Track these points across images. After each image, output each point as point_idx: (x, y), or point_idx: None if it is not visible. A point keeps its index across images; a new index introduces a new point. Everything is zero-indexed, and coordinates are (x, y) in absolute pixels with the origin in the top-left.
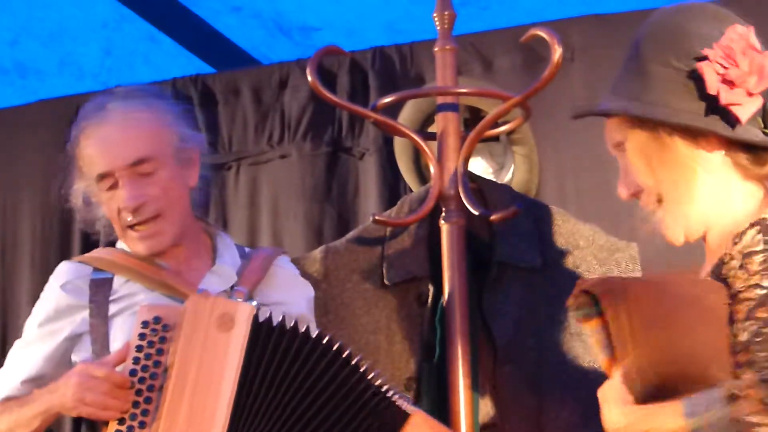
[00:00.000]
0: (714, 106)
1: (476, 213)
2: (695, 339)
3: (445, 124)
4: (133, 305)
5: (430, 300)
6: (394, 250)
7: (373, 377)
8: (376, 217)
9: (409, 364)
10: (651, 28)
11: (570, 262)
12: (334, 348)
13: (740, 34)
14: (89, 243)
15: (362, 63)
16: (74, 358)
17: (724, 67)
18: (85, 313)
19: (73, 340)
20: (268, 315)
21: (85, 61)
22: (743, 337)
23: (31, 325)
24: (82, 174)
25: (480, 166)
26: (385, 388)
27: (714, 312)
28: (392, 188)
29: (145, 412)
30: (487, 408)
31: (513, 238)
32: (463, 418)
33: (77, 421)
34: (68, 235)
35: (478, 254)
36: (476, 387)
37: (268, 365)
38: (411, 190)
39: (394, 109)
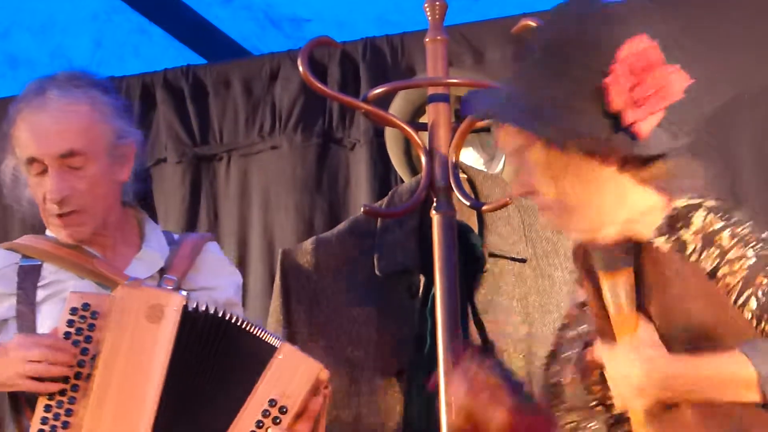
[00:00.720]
0: (618, 121)
1: (467, 204)
2: (706, 305)
3: (436, 114)
4: (61, 291)
5: (420, 291)
6: (385, 242)
7: (251, 327)
8: (367, 208)
9: (400, 355)
10: (555, 34)
11: (561, 252)
12: (256, 332)
13: (644, 48)
14: None
15: (353, 54)
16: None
17: (629, 85)
18: (13, 300)
19: None
20: (197, 306)
21: (76, 53)
22: (753, 304)
23: None
24: (14, 153)
25: (471, 157)
26: (255, 330)
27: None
28: (383, 179)
29: (72, 400)
30: None
31: (503, 229)
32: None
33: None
34: None
35: (468, 245)
36: None
37: (197, 356)
38: (402, 181)
39: (385, 100)
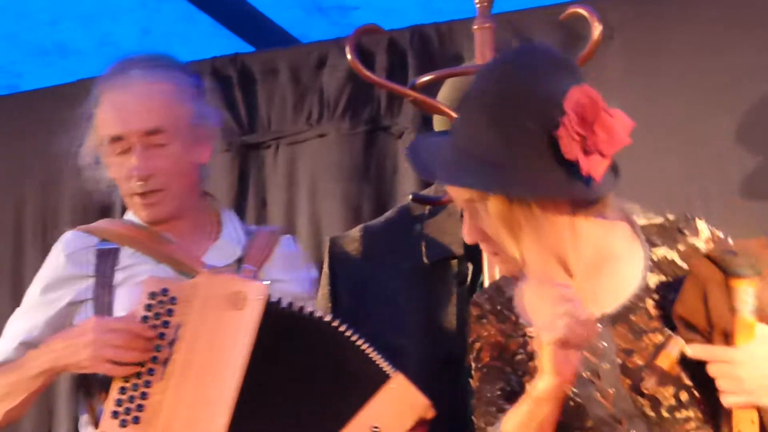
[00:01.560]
0: (572, 169)
1: None
2: None
3: None
4: (138, 275)
5: (468, 279)
6: (433, 229)
7: (361, 342)
8: (415, 196)
9: (447, 343)
10: (499, 87)
11: None
12: (337, 326)
13: (590, 95)
14: None
15: (400, 42)
16: (76, 323)
17: (580, 135)
18: (90, 282)
19: (75, 306)
20: (279, 295)
21: (124, 41)
22: None
23: (32, 293)
24: (96, 134)
25: None
26: (369, 350)
27: None
28: None
29: (147, 383)
30: None
31: None
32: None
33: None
34: (108, 212)
35: None
36: None
37: (279, 345)
38: None
39: (432, 88)
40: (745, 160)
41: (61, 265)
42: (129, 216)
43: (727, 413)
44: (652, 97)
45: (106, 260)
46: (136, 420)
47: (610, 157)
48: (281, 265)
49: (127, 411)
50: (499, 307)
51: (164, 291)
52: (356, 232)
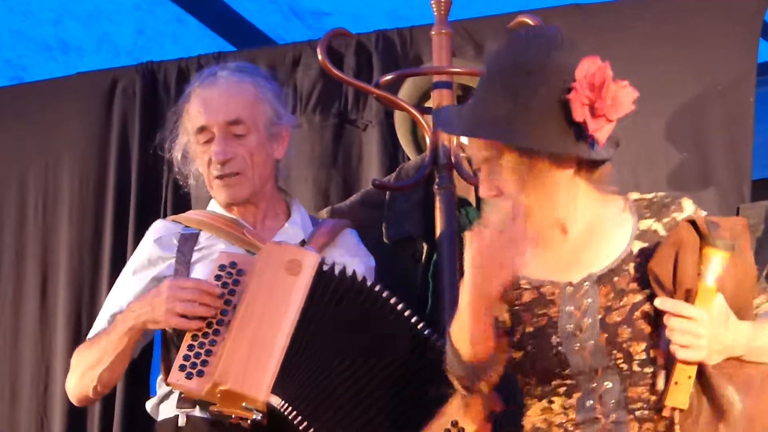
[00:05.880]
0: (579, 131)
1: (466, 179)
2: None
3: (440, 99)
4: (213, 254)
5: (423, 257)
6: (393, 212)
7: (421, 327)
8: (376, 182)
9: None
10: (515, 59)
11: None
12: (386, 297)
13: (599, 67)
14: (121, 202)
15: (367, 45)
16: None
17: (589, 99)
18: (172, 261)
19: (158, 281)
20: (332, 264)
21: (120, 39)
22: None
23: (125, 274)
24: (185, 129)
25: None
26: (431, 336)
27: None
28: (392, 157)
29: (213, 342)
30: None
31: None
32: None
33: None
34: (102, 193)
35: (466, 216)
36: None
37: (327, 308)
38: (408, 159)
39: (394, 86)
40: (671, 155)
41: (150, 249)
42: (211, 206)
43: (667, 366)
44: None
45: (186, 243)
46: (201, 374)
47: (615, 121)
48: (343, 250)
49: (193, 365)
50: None
51: (232, 264)
52: (325, 213)
